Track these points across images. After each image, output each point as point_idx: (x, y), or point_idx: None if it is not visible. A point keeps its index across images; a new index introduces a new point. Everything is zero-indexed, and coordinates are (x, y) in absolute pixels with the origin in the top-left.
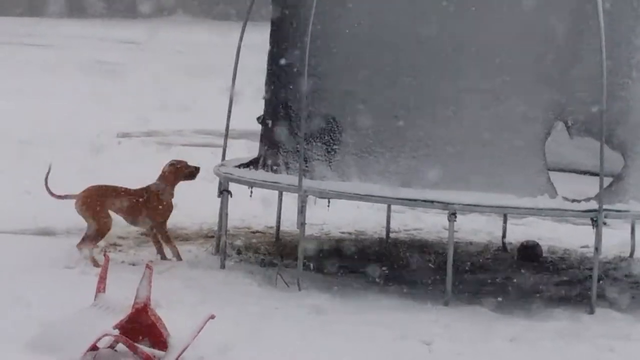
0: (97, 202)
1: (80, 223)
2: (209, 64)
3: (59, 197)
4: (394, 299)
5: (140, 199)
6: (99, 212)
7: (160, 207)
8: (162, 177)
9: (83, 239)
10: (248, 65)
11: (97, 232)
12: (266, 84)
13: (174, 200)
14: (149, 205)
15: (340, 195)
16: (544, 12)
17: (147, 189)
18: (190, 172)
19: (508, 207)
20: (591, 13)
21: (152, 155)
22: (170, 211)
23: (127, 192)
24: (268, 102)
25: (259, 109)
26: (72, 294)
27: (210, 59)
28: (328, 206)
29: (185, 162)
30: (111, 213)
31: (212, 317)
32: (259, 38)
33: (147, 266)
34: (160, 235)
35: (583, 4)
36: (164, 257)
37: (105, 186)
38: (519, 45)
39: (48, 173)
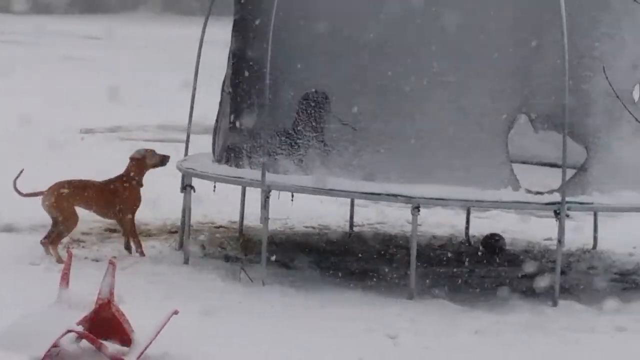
0: (64, 198)
1: (44, 219)
2: (171, 58)
3: (27, 195)
4: (359, 293)
5: (109, 191)
6: (66, 208)
7: (129, 198)
8: (129, 167)
9: (48, 235)
10: (211, 59)
11: (64, 229)
12: (227, 77)
13: (142, 192)
14: (118, 197)
15: (304, 189)
16: (508, 4)
17: (114, 181)
18: (160, 160)
19: (471, 200)
20: (554, 5)
21: (115, 150)
22: (139, 203)
23: (94, 185)
24: (232, 97)
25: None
26: (36, 291)
27: (173, 53)
28: (292, 201)
29: (152, 150)
30: (79, 209)
31: (176, 312)
32: (222, 33)
33: (110, 262)
34: (126, 227)
35: None
36: (128, 249)
37: (72, 181)
38: (482, 37)
39: (18, 175)
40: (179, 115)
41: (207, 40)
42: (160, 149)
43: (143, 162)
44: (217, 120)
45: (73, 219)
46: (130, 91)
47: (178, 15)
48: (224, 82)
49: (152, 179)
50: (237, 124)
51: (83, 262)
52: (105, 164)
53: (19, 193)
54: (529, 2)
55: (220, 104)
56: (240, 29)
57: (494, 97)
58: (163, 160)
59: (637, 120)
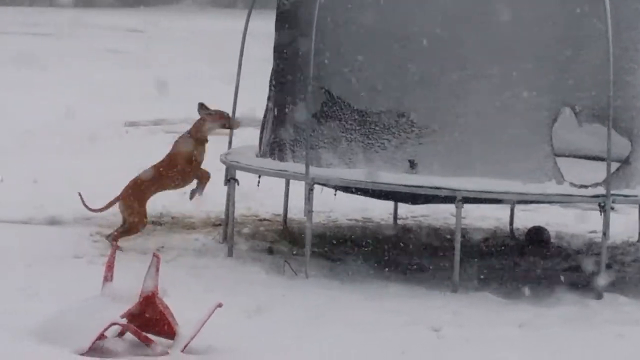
0: (135, 198)
1: (88, 213)
2: (215, 51)
3: (101, 209)
4: (402, 286)
5: (170, 167)
6: (138, 208)
7: (187, 167)
8: (191, 130)
9: (117, 232)
10: (254, 53)
11: (131, 230)
12: (273, 70)
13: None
14: (179, 168)
15: (348, 182)
16: None
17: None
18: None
19: (515, 193)
20: None
21: (160, 143)
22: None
23: (158, 168)
24: (276, 90)
25: (265, 97)
26: (80, 284)
27: (216, 46)
28: (335, 194)
29: (221, 112)
30: None
31: (220, 305)
32: (265, 25)
33: (155, 255)
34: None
35: None
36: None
37: (140, 178)
38: (525, 30)
39: (82, 199)
40: (223, 108)
41: (250, 33)
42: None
43: (203, 124)
44: (264, 115)
45: (142, 219)
46: (173, 84)
47: (221, 8)
48: (271, 76)
49: None
50: (281, 117)
51: (127, 254)
52: (150, 157)
53: (94, 210)
54: None
55: (268, 98)
56: (284, 22)
57: (537, 90)
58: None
59: None
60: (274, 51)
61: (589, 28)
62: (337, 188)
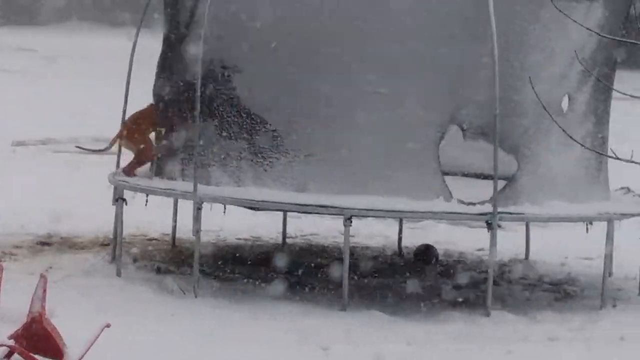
0: (135, 131)
1: None
2: (104, 69)
3: (105, 149)
4: (292, 305)
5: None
6: (140, 138)
7: None
8: None
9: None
10: (144, 71)
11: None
12: (158, 88)
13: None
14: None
15: (236, 201)
16: (440, 15)
17: None
18: None
19: (403, 211)
20: (485, 16)
21: (48, 162)
22: None
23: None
24: (162, 108)
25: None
26: None
27: (106, 64)
28: (224, 212)
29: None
30: None
31: (108, 325)
32: (155, 43)
33: (42, 275)
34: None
35: (477, 8)
36: None
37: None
38: (413, 48)
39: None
40: (112, 127)
41: (140, 51)
42: (92, 161)
43: None
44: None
45: (150, 147)
46: (63, 102)
47: (110, 27)
48: (157, 95)
49: (84, 191)
50: (168, 135)
51: (14, 275)
52: (38, 176)
53: (98, 150)
54: (460, 13)
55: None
56: (171, 41)
57: (426, 107)
58: None
59: (563, 131)
60: (159, 71)
61: (477, 46)
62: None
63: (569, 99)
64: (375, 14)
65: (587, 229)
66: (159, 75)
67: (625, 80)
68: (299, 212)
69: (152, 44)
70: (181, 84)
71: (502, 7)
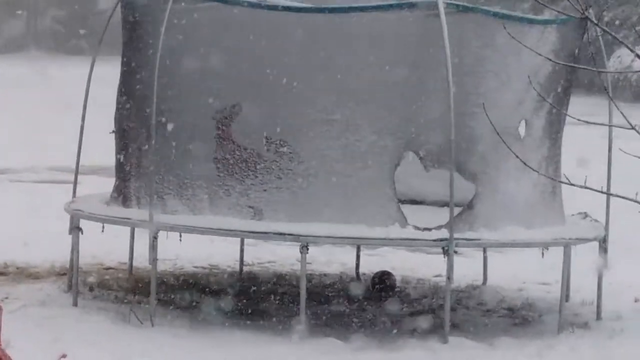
0: None
1: None
2: (61, 98)
3: None
4: (249, 333)
5: None
6: None
7: None
8: None
9: None
10: (100, 99)
11: None
12: (115, 117)
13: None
14: None
15: (193, 229)
16: (392, 42)
17: None
18: None
19: (359, 237)
20: (439, 42)
21: (5, 192)
22: None
23: None
24: (119, 136)
25: (112, 144)
26: None
27: (63, 93)
28: (180, 240)
29: None
30: None
31: (64, 356)
32: (112, 72)
33: None
34: None
35: (430, 34)
36: None
37: None
38: (366, 75)
39: None
40: (68, 156)
41: (97, 80)
42: (49, 191)
43: None
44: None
45: None
46: (18, 132)
47: (68, 55)
48: (115, 122)
49: (40, 220)
50: (126, 164)
51: None
52: None
53: None
54: (414, 39)
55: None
56: (127, 69)
57: (380, 134)
58: None
59: (517, 156)
60: (117, 97)
61: (431, 72)
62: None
63: (526, 124)
64: (329, 39)
65: (542, 254)
66: (118, 103)
67: (581, 103)
68: (255, 239)
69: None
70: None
71: (456, 32)
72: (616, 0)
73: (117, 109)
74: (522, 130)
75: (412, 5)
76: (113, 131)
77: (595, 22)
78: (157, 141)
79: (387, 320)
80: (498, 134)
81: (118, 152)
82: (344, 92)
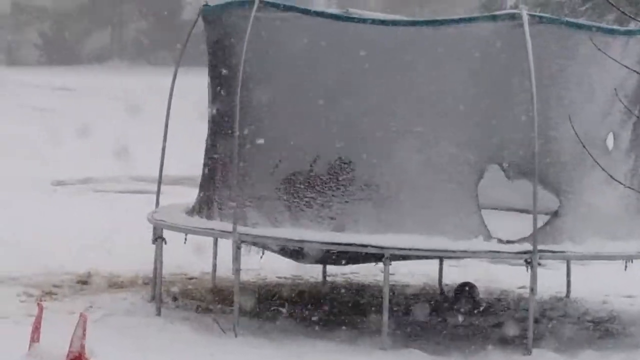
0: None
1: (12, 272)
2: (144, 109)
3: None
4: (332, 343)
5: None
6: None
7: None
8: None
9: None
10: (183, 109)
11: None
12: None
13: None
14: None
15: (275, 241)
16: (476, 54)
17: None
18: None
19: (442, 250)
20: (522, 54)
21: (89, 202)
22: None
23: None
24: (206, 149)
25: (194, 154)
26: (7, 344)
27: (146, 103)
28: (262, 253)
29: None
30: None
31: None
32: (193, 83)
33: (82, 315)
34: None
35: (514, 46)
36: None
37: None
38: (449, 87)
39: None
40: (151, 166)
41: (179, 91)
42: (132, 201)
43: None
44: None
45: None
46: (101, 142)
47: (150, 66)
48: (206, 137)
49: (124, 230)
50: (210, 176)
51: (55, 314)
52: (78, 215)
53: None
54: (497, 50)
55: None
56: (214, 84)
57: (462, 147)
58: None
59: (602, 169)
60: (209, 113)
61: (513, 84)
62: (264, 249)
63: (614, 136)
64: (412, 52)
65: (625, 266)
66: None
67: None
68: (339, 251)
69: (192, 84)
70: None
71: (539, 44)
72: None
73: (208, 121)
74: (609, 142)
75: (495, 18)
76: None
77: None
78: (240, 154)
79: (470, 331)
80: (584, 145)
81: (204, 164)
82: (425, 104)
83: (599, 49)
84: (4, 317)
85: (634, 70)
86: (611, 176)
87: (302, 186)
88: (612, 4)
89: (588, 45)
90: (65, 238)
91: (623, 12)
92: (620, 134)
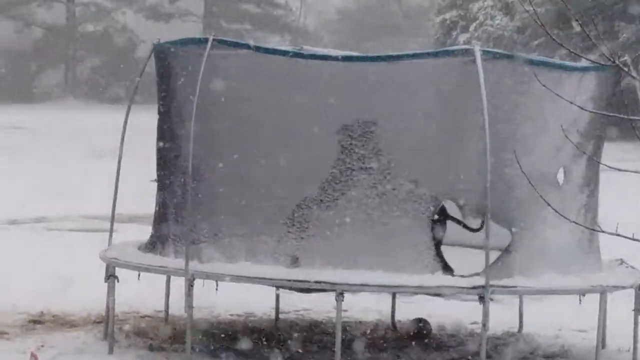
0: None
1: None
2: (97, 147)
3: None
4: None
5: None
6: None
7: None
8: None
9: None
10: (136, 147)
11: None
12: (157, 165)
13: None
14: None
15: (229, 278)
16: (429, 89)
17: None
18: None
19: (395, 285)
20: (475, 90)
21: (42, 241)
22: None
23: None
24: (158, 186)
25: (147, 192)
26: None
27: (99, 142)
28: (216, 289)
29: None
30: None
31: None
32: (147, 120)
33: (32, 354)
34: None
35: (467, 81)
36: None
37: None
38: (403, 123)
39: None
40: (104, 204)
41: (133, 128)
42: (85, 239)
43: None
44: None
45: None
46: (55, 180)
47: (105, 104)
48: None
49: (76, 269)
50: (163, 212)
51: (6, 355)
52: (30, 254)
53: None
54: (450, 86)
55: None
56: (163, 120)
57: (417, 182)
58: None
59: (550, 206)
60: (156, 150)
61: (467, 119)
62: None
63: (565, 171)
64: (366, 87)
65: (580, 300)
66: (157, 151)
67: (617, 148)
68: (291, 288)
69: (146, 121)
70: (174, 160)
71: (492, 79)
72: None
73: (157, 157)
74: (560, 177)
75: (448, 53)
76: (155, 180)
77: (625, 69)
78: (193, 190)
79: None
80: (530, 182)
81: (157, 201)
82: (380, 140)
83: (548, 88)
84: None
85: (584, 109)
86: (557, 212)
87: (258, 222)
88: (560, 43)
89: (543, 80)
90: (18, 277)
91: (571, 51)
92: (573, 169)
